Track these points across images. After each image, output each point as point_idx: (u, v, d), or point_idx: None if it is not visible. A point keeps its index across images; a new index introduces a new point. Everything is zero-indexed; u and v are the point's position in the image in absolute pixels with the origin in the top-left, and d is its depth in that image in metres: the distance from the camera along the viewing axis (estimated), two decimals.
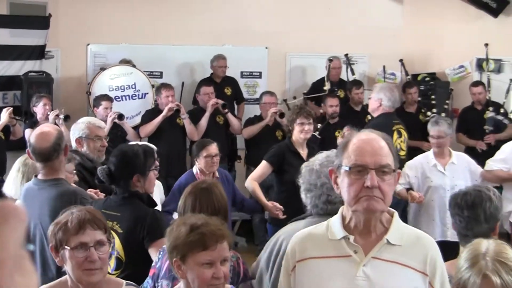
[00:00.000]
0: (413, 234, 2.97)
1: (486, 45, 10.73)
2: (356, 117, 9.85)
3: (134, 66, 10.12)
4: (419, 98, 10.44)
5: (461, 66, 11.26)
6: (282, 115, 9.20)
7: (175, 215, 6.12)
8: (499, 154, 7.23)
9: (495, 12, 10.83)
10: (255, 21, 11.15)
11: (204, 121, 9.49)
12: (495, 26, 10.91)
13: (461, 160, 7.09)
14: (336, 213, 3.44)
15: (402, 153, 7.83)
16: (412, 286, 2.83)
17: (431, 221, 7.00)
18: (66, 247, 3.20)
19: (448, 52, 11.21)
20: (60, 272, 3.50)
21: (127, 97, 9.99)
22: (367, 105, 9.98)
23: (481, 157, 8.64)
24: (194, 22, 11.04)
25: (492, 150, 9.66)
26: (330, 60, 10.51)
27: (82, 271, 3.20)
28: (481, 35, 10.96)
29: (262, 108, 9.70)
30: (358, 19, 11.37)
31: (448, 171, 7.00)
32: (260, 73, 11.31)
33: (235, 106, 10.72)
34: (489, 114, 9.96)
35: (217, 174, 6.84)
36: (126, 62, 10.27)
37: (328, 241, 2.92)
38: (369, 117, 9.52)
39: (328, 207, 3.64)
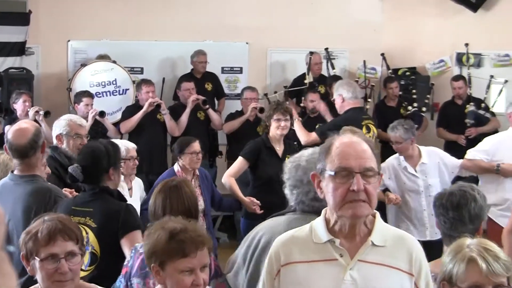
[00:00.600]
0: (396, 235, 2.95)
1: (467, 44, 10.79)
2: (335, 112, 9.86)
3: (114, 62, 10.07)
4: (400, 93, 10.47)
5: (441, 61, 11.29)
6: (262, 110, 9.19)
7: None
8: (482, 145, 7.17)
9: (474, 7, 10.85)
10: (236, 16, 11.14)
11: (184, 117, 9.50)
12: (475, 21, 10.94)
13: (432, 157, 6.99)
14: (320, 211, 3.48)
15: None
16: (399, 287, 2.81)
17: (409, 222, 6.98)
18: (36, 257, 3.14)
19: (428, 46, 11.24)
20: None
21: (108, 93, 9.97)
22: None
23: (464, 152, 8.71)
24: (175, 17, 11.03)
25: (473, 144, 9.74)
26: (311, 53, 10.54)
27: (52, 282, 3.16)
28: (461, 29, 11.01)
29: (243, 104, 9.72)
30: (339, 14, 11.39)
31: (419, 172, 6.93)
32: (241, 68, 11.31)
33: (216, 101, 10.71)
34: (470, 108, 9.99)
35: (197, 172, 6.82)
36: (101, 57, 10.23)
37: (313, 244, 2.88)
38: None
39: (316, 204, 3.61)
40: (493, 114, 10.12)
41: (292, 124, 7.18)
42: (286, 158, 6.73)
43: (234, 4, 11.23)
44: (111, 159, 4.73)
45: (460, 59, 11.06)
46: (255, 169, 6.98)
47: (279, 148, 7.01)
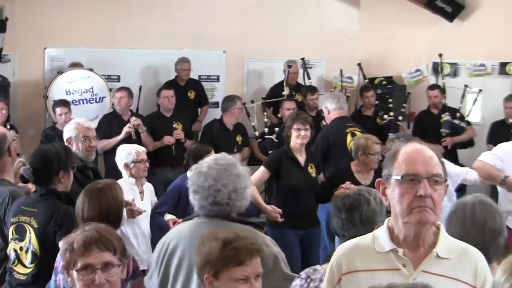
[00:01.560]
0: (460, 247, 2.90)
1: (440, 55, 10.86)
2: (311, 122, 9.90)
3: (91, 69, 10.04)
4: (376, 102, 10.51)
5: (418, 70, 11.36)
6: (137, 132, 9.11)
7: (167, 217, 6.38)
8: (496, 150, 6.95)
9: (450, 17, 10.92)
10: (213, 25, 11.17)
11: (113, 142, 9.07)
12: (451, 31, 11.02)
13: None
14: (225, 215, 3.65)
15: None
16: None
17: None
18: (73, 268, 3.08)
19: (404, 56, 11.32)
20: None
21: (85, 101, 9.95)
22: (321, 110, 10.12)
23: None
24: (152, 26, 11.04)
25: (449, 153, 9.82)
26: (289, 66, 10.57)
27: None
28: (437, 39, 11.10)
29: (235, 113, 9.66)
30: (316, 23, 11.46)
31: None
32: (218, 76, 11.33)
33: (199, 109, 10.76)
34: (445, 117, 10.04)
35: None
36: (74, 65, 10.19)
37: (376, 253, 2.85)
38: (323, 122, 9.62)
39: (215, 208, 3.69)
40: (468, 123, 10.19)
41: (312, 133, 7.22)
42: (309, 167, 6.98)
43: (211, 13, 11.25)
44: (61, 162, 4.90)
45: (436, 69, 11.11)
46: (279, 179, 7.09)
47: (301, 158, 7.10)
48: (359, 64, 11.13)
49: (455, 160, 9.50)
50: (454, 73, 11.12)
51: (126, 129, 9.06)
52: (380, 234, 2.90)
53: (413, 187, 2.73)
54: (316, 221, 7.28)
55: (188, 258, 3.66)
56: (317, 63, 11.45)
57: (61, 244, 3.24)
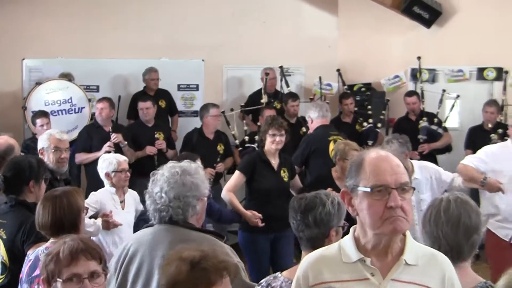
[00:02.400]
0: (428, 253, 2.88)
1: (419, 58, 10.90)
2: (290, 129, 9.90)
3: (69, 80, 10.01)
4: (356, 109, 10.53)
5: (396, 76, 11.40)
6: (118, 148, 9.03)
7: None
8: (480, 153, 7.01)
9: (428, 23, 10.97)
10: (191, 34, 11.18)
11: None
12: (429, 37, 11.08)
13: (424, 172, 7.01)
14: (171, 221, 3.69)
15: None
16: None
17: None
18: (58, 279, 3.03)
19: (383, 62, 11.36)
20: None
21: (64, 112, 9.90)
22: (302, 117, 10.15)
23: None
24: (131, 35, 11.04)
25: (426, 159, 9.85)
26: (267, 74, 10.58)
27: None
28: (415, 45, 11.15)
29: (209, 121, 9.54)
30: (294, 31, 11.51)
31: None
32: (197, 85, 11.33)
33: (169, 118, 10.73)
34: (423, 123, 10.08)
35: None
36: (65, 75, 10.17)
37: (343, 264, 2.80)
38: (303, 129, 9.65)
39: (156, 214, 3.78)
40: (445, 129, 10.23)
41: (287, 139, 7.32)
42: (282, 171, 7.06)
43: (189, 22, 11.25)
44: (32, 172, 5.00)
45: (414, 75, 11.16)
46: (251, 182, 7.13)
47: (274, 162, 7.18)
48: (338, 71, 11.16)
49: None
50: (433, 79, 11.17)
51: (105, 148, 8.98)
52: (346, 244, 2.85)
53: (381, 198, 2.69)
54: (287, 224, 7.21)
55: (147, 264, 3.69)
56: (296, 70, 11.48)
57: (43, 258, 3.17)
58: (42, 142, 6.32)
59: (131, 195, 6.84)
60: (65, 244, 3.08)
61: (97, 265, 3.11)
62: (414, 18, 10.98)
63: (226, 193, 7.04)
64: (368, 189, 2.70)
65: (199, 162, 6.58)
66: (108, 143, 9.05)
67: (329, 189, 6.60)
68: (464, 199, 3.49)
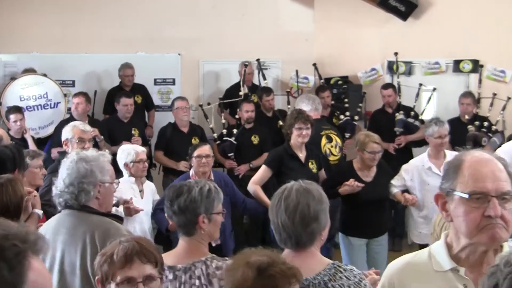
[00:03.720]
0: None
1: (396, 53, 10.93)
2: (268, 122, 9.93)
3: (44, 75, 9.94)
4: (332, 102, 10.52)
5: (373, 69, 11.42)
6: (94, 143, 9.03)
7: None
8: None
9: (404, 16, 10.99)
10: (168, 28, 11.15)
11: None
12: (405, 30, 11.10)
13: None
14: (67, 206, 3.90)
15: (333, 158, 8.06)
16: None
17: (430, 222, 7.13)
18: (112, 281, 2.96)
19: (359, 55, 11.36)
20: None
21: (39, 107, 9.85)
22: (278, 111, 10.15)
23: (394, 160, 8.83)
24: (106, 30, 10.98)
25: (403, 151, 9.89)
26: (246, 65, 10.57)
27: None
28: (392, 38, 11.16)
29: (176, 114, 9.62)
30: (271, 25, 11.48)
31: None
32: (174, 79, 11.29)
33: (146, 113, 10.69)
34: (399, 116, 10.10)
35: (212, 177, 6.98)
36: (27, 71, 10.08)
37: (433, 272, 2.59)
38: (280, 122, 9.66)
39: (59, 200, 4.05)
40: (422, 122, 10.25)
41: (312, 132, 7.38)
42: (310, 163, 7.16)
43: (166, 15, 11.21)
44: (16, 161, 5.10)
45: (391, 68, 11.18)
46: (280, 177, 7.16)
47: (301, 154, 7.30)
48: (314, 65, 11.16)
49: (410, 158, 9.57)
50: (409, 72, 11.21)
51: None
52: (437, 251, 2.65)
53: (480, 205, 2.46)
54: None
55: (52, 250, 3.87)
56: (273, 64, 11.47)
57: (97, 258, 3.09)
58: (66, 134, 6.73)
59: (148, 186, 7.08)
60: (120, 246, 3.00)
61: (153, 268, 3.00)
62: (390, 11, 11.00)
63: (251, 185, 7.19)
64: (466, 196, 2.47)
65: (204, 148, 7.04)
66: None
67: (350, 181, 6.98)
68: (307, 188, 3.40)
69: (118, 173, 7.01)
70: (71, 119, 9.33)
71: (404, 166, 7.52)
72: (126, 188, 6.58)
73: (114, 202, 6.31)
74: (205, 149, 7.11)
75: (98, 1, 11.06)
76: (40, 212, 5.75)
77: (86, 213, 4.00)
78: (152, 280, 2.98)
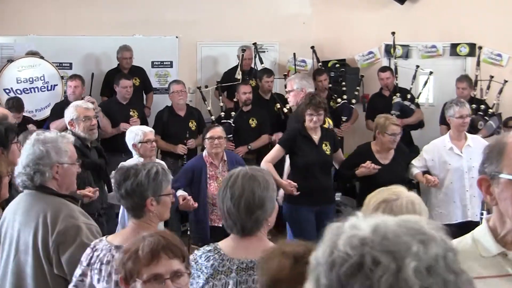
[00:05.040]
0: None
1: (393, 33, 10.87)
2: (265, 105, 9.95)
3: (41, 57, 9.93)
4: (330, 85, 10.50)
5: (370, 52, 11.43)
6: None
7: (179, 193, 6.81)
8: None
9: None
10: (165, 10, 11.13)
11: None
12: (402, 13, 11.11)
13: (476, 143, 7.29)
14: (25, 186, 4.03)
15: None
16: None
17: (451, 203, 7.30)
18: (137, 279, 2.83)
19: (357, 38, 11.36)
20: None
21: (36, 89, 9.83)
22: (276, 94, 10.15)
23: None
24: (104, 12, 10.96)
25: (402, 135, 9.89)
26: (243, 50, 10.56)
27: None
28: (389, 21, 11.14)
29: (172, 98, 9.63)
30: (268, 8, 11.48)
31: (464, 153, 7.28)
32: (171, 62, 11.23)
33: (144, 96, 10.68)
34: (396, 99, 10.10)
35: (225, 158, 7.23)
36: (32, 54, 10.07)
37: (481, 258, 2.48)
38: (278, 105, 9.68)
39: (17, 181, 4.17)
40: (417, 105, 10.27)
41: (326, 115, 7.53)
42: (323, 145, 7.25)
43: None
44: (2, 139, 5.00)
45: (388, 51, 11.18)
46: (294, 157, 7.37)
47: (316, 136, 7.35)
48: (312, 48, 11.15)
49: (409, 141, 9.61)
50: (406, 55, 11.23)
51: None
52: (481, 236, 2.55)
53: None
54: (331, 198, 7.57)
55: (10, 228, 4.07)
56: (270, 47, 11.48)
57: (120, 255, 3.01)
58: (70, 114, 6.76)
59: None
60: (145, 241, 2.88)
61: (180, 263, 2.89)
62: None
63: (264, 163, 7.22)
64: None
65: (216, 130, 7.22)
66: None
67: (367, 163, 7.14)
68: (253, 175, 3.40)
69: (128, 154, 7.16)
70: (67, 102, 9.32)
71: (425, 147, 7.67)
72: None
73: None
74: (217, 130, 7.25)
75: None
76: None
77: (43, 193, 4.10)
78: (180, 276, 2.88)
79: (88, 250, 3.67)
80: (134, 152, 6.96)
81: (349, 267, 1.39)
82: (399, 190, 3.25)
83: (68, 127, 6.78)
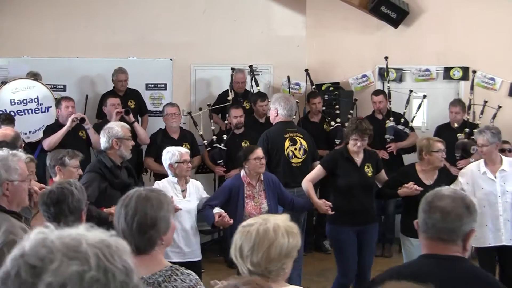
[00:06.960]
0: None
1: (386, 57, 10.90)
2: (260, 128, 9.93)
3: (37, 79, 9.91)
4: (324, 108, 10.53)
5: (364, 76, 11.46)
6: (82, 120, 9.14)
7: (215, 210, 6.93)
8: None
9: (395, 23, 11.03)
10: (160, 32, 11.15)
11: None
12: (396, 36, 11.15)
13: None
14: None
15: (296, 160, 8.20)
16: None
17: (484, 227, 7.28)
18: None
19: (351, 61, 11.41)
20: None
21: (30, 111, 9.81)
22: (323, 111, 10.28)
23: (385, 166, 8.84)
24: (98, 34, 10.97)
25: (394, 158, 9.91)
26: (233, 70, 10.60)
27: None
28: (383, 44, 11.21)
29: (166, 120, 9.65)
30: (263, 30, 11.52)
31: (498, 178, 7.33)
32: (165, 85, 11.26)
33: (139, 118, 10.65)
34: (390, 123, 10.11)
35: (262, 177, 7.35)
36: (33, 75, 10.07)
37: None
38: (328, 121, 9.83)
39: None
40: (411, 129, 10.29)
41: (369, 140, 7.71)
42: (365, 167, 7.43)
43: (158, 20, 11.22)
44: None
45: (382, 74, 11.21)
46: (335, 178, 7.55)
47: (358, 158, 7.56)
48: (306, 70, 11.17)
49: (401, 164, 9.59)
50: (400, 78, 11.26)
51: (70, 120, 9.06)
52: None
53: None
54: (373, 218, 7.66)
55: None
56: (265, 70, 11.52)
57: None
58: (116, 133, 6.88)
59: (194, 185, 7.26)
60: None
61: None
62: (382, 18, 11.04)
63: (305, 182, 7.50)
64: None
65: (260, 150, 7.32)
66: (72, 116, 9.11)
67: (410, 184, 7.20)
68: (147, 195, 3.47)
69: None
70: (58, 124, 9.30)
71: (461, 171, 7.79)
72: (168, 188, 6.86)
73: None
74: (260, 151, 7.35)
75: (90, 6, 11.04)
76: None
77: None
78: None
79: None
80: (169, 172, 7.09)
81: (2, 275, 1.47)
82: None
83: (114, 146, 6.87)
